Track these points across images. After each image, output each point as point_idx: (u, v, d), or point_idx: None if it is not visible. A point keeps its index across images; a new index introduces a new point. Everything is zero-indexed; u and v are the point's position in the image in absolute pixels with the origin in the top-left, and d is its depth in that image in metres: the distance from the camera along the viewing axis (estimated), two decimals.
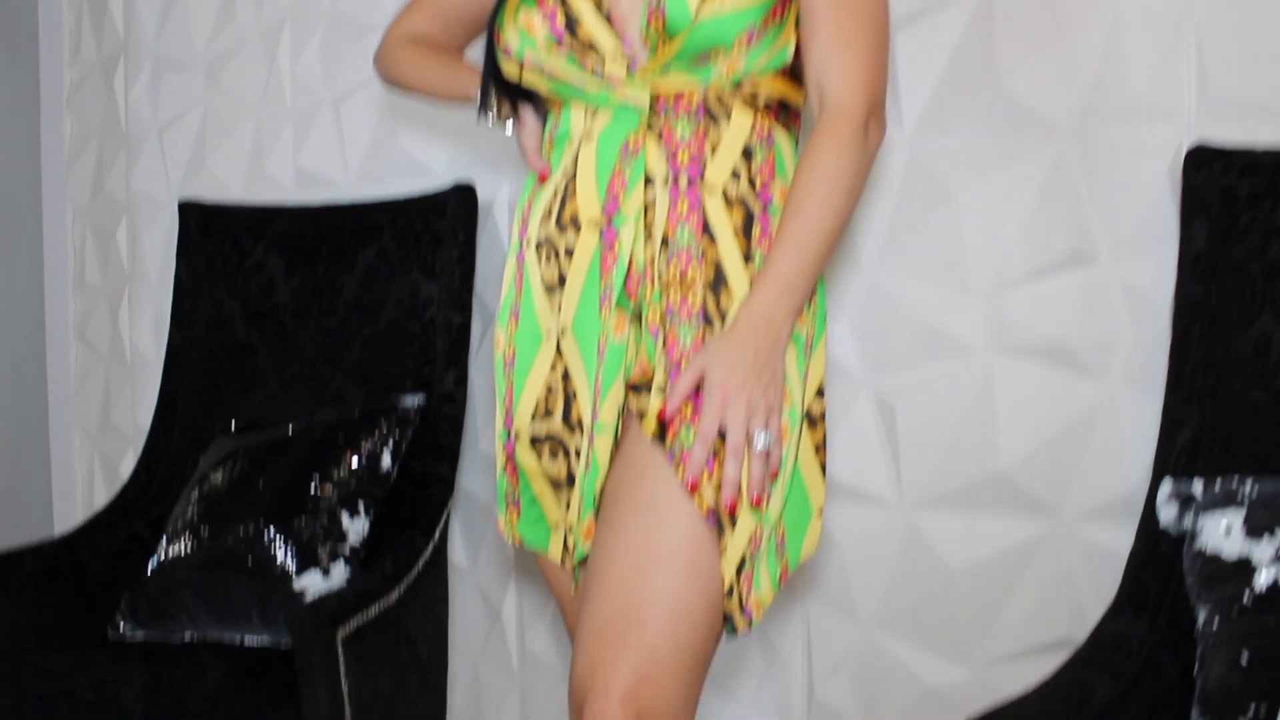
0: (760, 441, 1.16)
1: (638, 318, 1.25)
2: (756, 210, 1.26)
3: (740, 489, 1.16)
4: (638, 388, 1.23)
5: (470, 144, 2.08)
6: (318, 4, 2.25)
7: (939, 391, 1.69)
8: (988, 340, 1.66)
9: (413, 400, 1.85)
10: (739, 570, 1.17)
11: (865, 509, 1.75)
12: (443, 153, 2.11)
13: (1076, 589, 1.62)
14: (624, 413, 1.26)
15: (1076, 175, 1.60)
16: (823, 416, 1.29)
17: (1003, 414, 1.65)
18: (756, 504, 1.17)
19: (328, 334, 2.01)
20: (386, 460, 1.79)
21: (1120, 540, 1.52)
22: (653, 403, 1.21)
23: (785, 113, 1.29)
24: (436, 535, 1.77)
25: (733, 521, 1.17)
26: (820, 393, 1.29)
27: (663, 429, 1.19)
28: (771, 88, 1.27)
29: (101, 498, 2.63)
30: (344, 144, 2.22)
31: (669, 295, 1.23)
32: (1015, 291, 1.64)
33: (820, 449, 1.28)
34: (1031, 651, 1.64)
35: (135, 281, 2.55)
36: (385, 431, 1.80)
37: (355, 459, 1.78)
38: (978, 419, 1.67)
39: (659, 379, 1.22)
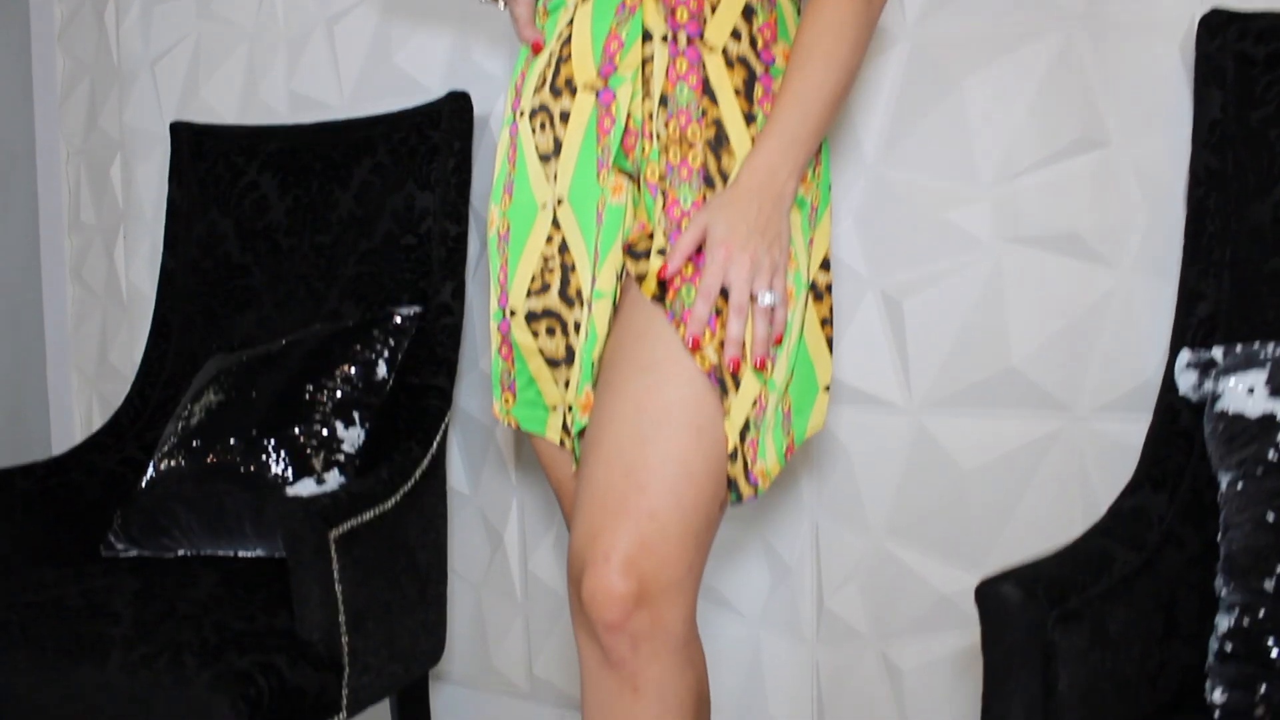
0: (765, 299, 1.11)
1: (636, 179, 1.21)
2: (759, 71, 1.21)
3: (744, 348, 1.12)
4: (635, 252, 1.19)
5: (465, 59, 2.04)
6: None
7: (947, 287, 1.64)
8: (996, 232, 1.61)
9: (408, 310, 1.80)
10: (743, 435, 1.13)
11: (873, 413, 1.70)
12: (437, 70, 2.07)
13: (1091, 486, 1.57)
14: (622, 278, 1.21)
15: (1085, 57, 1.55)
16: (829, 289, 1.24)
17: (1013, 308, 1.60)
18: (760, 366, 1.12)
19: (322, 251, 1.97)
20: (382, 370, 1.75)
21: (1136, 433, 1.46)
22: (652, 264, 1.16)
23: None
24: (434, 447, 1.73)
25: (736, 382, 1.12)
26: (826, 265, 1.25)
27: (663, 289, 1.14)
28: None
29: None
30: (338, 65, 2.18)
31: (668, 154, 1.18)
32: (1025, 180, 1.59)
33: (827, 323, 1.24)
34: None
35: (131, 218, 2.51)
36: (380, 341, 1.76)
37: (350, 368, 1.74)
38: (987, 314, 1.62)
39: (659, 241, 1.17)
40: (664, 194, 1.18)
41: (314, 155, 2.02)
